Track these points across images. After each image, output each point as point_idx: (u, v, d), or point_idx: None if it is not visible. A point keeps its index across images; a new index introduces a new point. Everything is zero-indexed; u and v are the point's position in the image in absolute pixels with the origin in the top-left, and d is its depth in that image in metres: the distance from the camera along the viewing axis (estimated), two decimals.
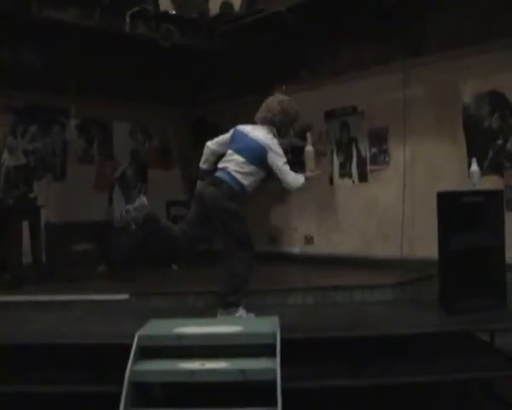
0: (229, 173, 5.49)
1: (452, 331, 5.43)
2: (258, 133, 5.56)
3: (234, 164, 5.51)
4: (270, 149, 5.46)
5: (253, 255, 5.61)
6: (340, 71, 8.94)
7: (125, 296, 6.59)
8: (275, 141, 5.53)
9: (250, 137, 5.56)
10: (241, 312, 5.60)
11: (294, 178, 5.54)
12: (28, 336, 5.33)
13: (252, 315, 5.61)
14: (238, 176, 5.48)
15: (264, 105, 5.73)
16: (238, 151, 5.55)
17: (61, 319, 6.02)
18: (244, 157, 5.50)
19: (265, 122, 5.62)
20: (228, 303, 5.57)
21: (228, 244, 5.56)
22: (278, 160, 5.48)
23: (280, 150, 5.50)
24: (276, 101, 5.70)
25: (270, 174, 5.62)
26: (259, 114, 5.70)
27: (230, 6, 8.82)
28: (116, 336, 5.06)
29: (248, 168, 5.49)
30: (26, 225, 7.89)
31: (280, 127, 5.63)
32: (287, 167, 5.51)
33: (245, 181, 5.49)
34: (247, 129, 5.64)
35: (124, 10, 8.18)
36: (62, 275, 7.98)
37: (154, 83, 10.00)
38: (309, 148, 5.74)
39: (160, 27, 8.36)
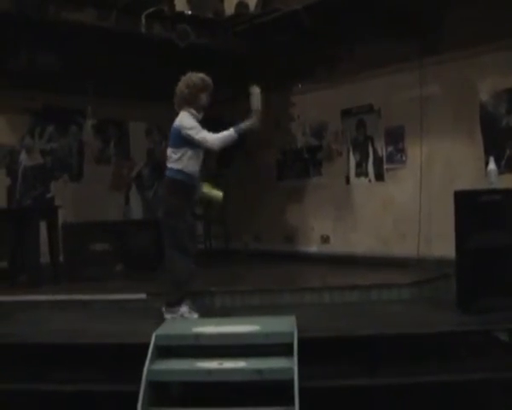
0: (166, 169, 5.83)
1: (470, 331, 5.41)
2: (175, 120, 5.81)
3: (168, 159, 5.83)
4: (182, 126, 5.68)
5: (187, 252, 5.74)
6: (357, 69, 8.92)
7: (142, 296, 6.61)
8: (185, 117, 5.73)
9: (172, 127, 5.84)
10: (183, 310, 5.67)
11: (212, 138, 5.66)
12: (46, 335, 5.36)
13: (195, 315, 5.69)
14: (171, 165, 5.75)
15: (175, 92, 5.94)
16: (168, 146, 5.89)
17: (78, 319, 6.05)
18: (170, 146, 5.84)
19: (180, 106, 5.86)
20: (169, 303, 5.70)
21: (166, 240, 5.85)
22: (191, 132, 5.65)
23: (191, 123, 5.69)
24: (180, 82, 5.91)
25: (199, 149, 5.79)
26: (175, 102, 5.93)
27: (246, 6, 8.81)
28: (133, 336, 5.08)
29: (176, 154, 5.73)
30: (43, 225, 7.94)
31: (192, 100, 5.81)
32: (202, 134, 5.66)
33: (179, 165, 5.70)
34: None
35: (140, 11, 8.19)
36: (80, 275, 8.03)
37: (169, 83, 10.00)
38: (256, 89, 5.89)
39: (175, 28, 8.37)
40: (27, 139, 8.84)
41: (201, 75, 5.87)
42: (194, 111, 5.78)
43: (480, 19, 7.34)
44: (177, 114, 5.82)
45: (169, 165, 5.77)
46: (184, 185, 5.69)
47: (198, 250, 5.85)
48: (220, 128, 5.77)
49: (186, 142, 5.67)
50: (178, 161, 5.70)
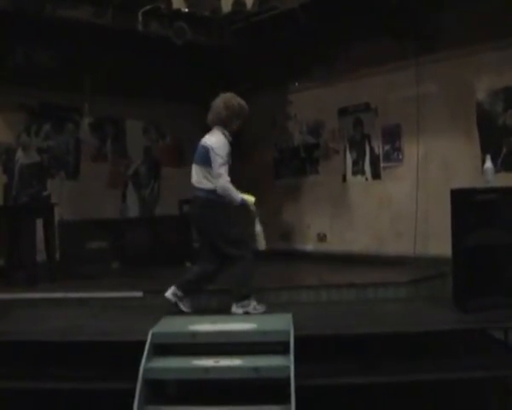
0: (195, 189, 5.93)
1: (466, 329, 5.41)
2: (206, 138, 5.90)
3: (194, 176, 5.95)
4: (212, 148, 5.73)
5: (247, 249, 5.81)
6: (354, 68, 8.92)
7: (138, 294, 6.61)
8: (220, 141, 5.79)
9: (200, 144, 5.92)
10: (254, 303, 5.73)
11: (224, 181, 5.71)
12: (43, 333, 5.35)
13: (263, 307, 5.77)
14: (202, 186, 5.84)
15: (212, 107, 5.98)
16: (194, 161, 5.98)
17: (74, 317, 6.04)
18: (198, 164, 5.92)
19: (215, 123, 5.91)
20: (239, 297, 5.75)
21: (221, 249, 5.81)
22: (218, 160, 5.71)
23: (222, 151, 5.73)
24: (219, 99, 5.95)
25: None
26: (209, 117, 5.98)
27: (243, 4, 8.82)
28: (130, 334, 5.08)
29: (204, 173, 5.81)
30: (40, 222, 7.92)
31: (228, 122, 5.87)
32: (221, 169, 5.71)
33: (210, 185, 5.78)
34: (203, 139, 5.95)
35: (136, 8, 8.19)
36: (76, 272, 8.03)
37: (166, 81, 10.00)
38: (258, 228, 5.91)
39: (172, 25, 8.37)
40: (24, 137, 8.79)
41: (240, 101, 5.93)
42: (227, 133, 5.86)
43: (477, 18, 7.36)
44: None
45: (199, 185, 5.87)
46: (218, 204, 5.77)
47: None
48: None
49: (210, 161, 5.76)
50: (206, 180, 5.80)
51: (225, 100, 5.89)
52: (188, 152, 11.41)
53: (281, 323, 4.96)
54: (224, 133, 5.83)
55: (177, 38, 8.33)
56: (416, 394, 5.08)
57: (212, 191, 5.75)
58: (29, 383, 4.92)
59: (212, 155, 5.71)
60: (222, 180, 5.68)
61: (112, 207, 10.17)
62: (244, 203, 5.77)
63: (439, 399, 5.14)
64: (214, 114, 5.90)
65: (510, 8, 7.04)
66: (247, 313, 5.69)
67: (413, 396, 5.08)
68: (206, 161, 5.77)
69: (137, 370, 4.36)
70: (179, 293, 5.86)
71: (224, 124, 5.85)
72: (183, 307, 5.86)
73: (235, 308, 5.74)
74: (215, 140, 5.78)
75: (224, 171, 5.69)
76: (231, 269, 5.83)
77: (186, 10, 8.63)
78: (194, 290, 5.97)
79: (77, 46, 8.57)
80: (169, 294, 5.87)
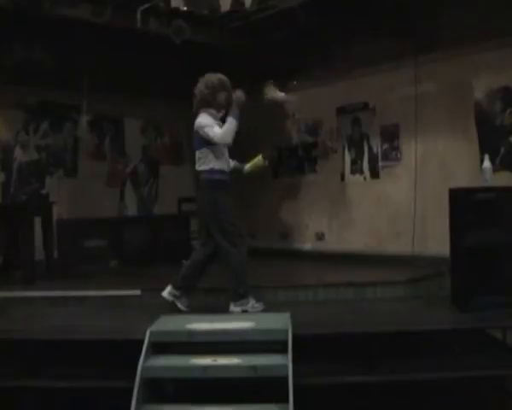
0: (198, 172, 5.88)
1: (464, 329, 5.42)
2: (195, 122, 5.86)
3: (197, 162, 5.90)
4: (199, 126, 5.77)
5: (239, 245, 5.77)
6: (352, 67, 8.92)
7: (136, 292, 6.61)
8: (203, 117, 5.79)
9: (193, 130, 5.90)
10: (252, 302, 5.75)
11: (221, 132, 5.71)
12: (40, 331, 5.34)
13: (261, 305, 5.78)
14: (201, 167, 5.82)
15: (194, 94, 6.00)
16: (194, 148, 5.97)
17: (73, 315, 6.05)
18: (195, 149, 5.91)
19: (199, 107, 5.92)
20: (238, 296, 5.76)
21: (217, 238, 5.79)
22: (206, 130, 5.72)
23: (205, 121, 5.75)
24: (198, 83, 5.98)
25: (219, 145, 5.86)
26: (194, 104, 6.00)
27: (241, 2, 8.81)
28: (128, 332, 5.07)
29: (201, 155, 5.82)
30: (38, 221, 7.92)
31: (212, 100, 5.88)
32: (214, 129, 5.71)
33: (208, 166, 5.79)
34: None
35: (135, 7, 8.18)
36: (74, 271, 8.03)
37: (165, 79, 9.99)
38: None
39: (171, 24, 8.37)
40: (22, 135, 8.80)
41: (219, 75, 5.95)
42: (213, 111, 5.87)
43: (475, 17, 7.36)
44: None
45: (199, 168, 5.86)
46: (221, 183, 5.81)
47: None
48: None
49: (206, 141, 5.76)
50: (206, 161, 5.80)
51: (204, 81, 5.93)
52: (186, 151, 11.45)
53: (279, 322, 4.96)
54: (209, 112, 5.82)
55: (175, 36, 8.32)
56: (413, 393, 5.09)
57: (209, 171, 5.77)
58: (26, 382, 4.92)
59: (200, 132, 5.74)
60: (218, 133, 5.68)
61: (110, 205, 10.17)
62: (237, 111, 5.73)
63: (436, 398, 5.15)
64: (197, 98, 5.93)
65: (508, 8, 7.05)
66: (245, 311, 5.70)
67: (411, 395, 5.09)
68: (198, 143, 5.82)
69: (135, 368, 4.35)
70: (176, 292, 5.87)
71: (208, 103, 5.85)
72: (180, 305, 5.86)
73: (232, 307, 5.75)
74: (198, 120, 5.80)
75: (215, 129, 5.70)
76: (226, 268, 5.82)
77: (185, 9, 8.63)
78: (189, 286, 5.96)
79: (75, 44, 8.56)
80: (165, 293, 5.90)
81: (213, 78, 5.92)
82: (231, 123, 5.68)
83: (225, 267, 5.82)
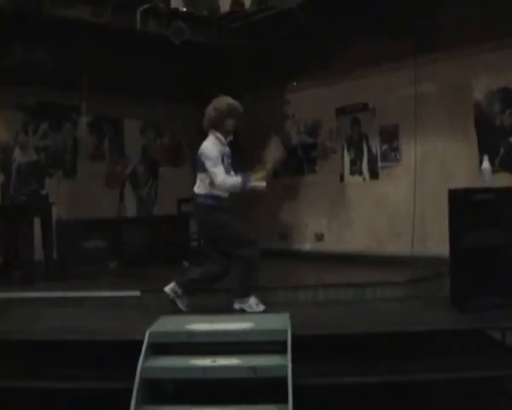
0: (194, 195, 5.93)
1: (464, 329, 5.41)
2: (202, 145, 5.88)
3: (196, 183, 5.94)
4: (202, 153, 5.80)
5: (251, 249, 5.79)
6: (352, 68, 8.92)
7: (136, 293, 6.60)
8: (209, 144, 5.83)
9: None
10: (252, 301, 5.77)
11: (223, 179, 5.72)
12: (40, 332, 5.34)
13: (262, 307, 5.79)
14: (198, 190, 5.87)
15: (205, 113, 6.01)
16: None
17: (72, 316, 6.04)
18: (197, 171, 5.93)
19: (208, 127, 5.93)
20: (238, 294, 5.81)
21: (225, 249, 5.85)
22: (208, 164, 5.73)
23: (211, 152, 5.76)
24: (210, 104, 5.98)
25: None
26: (203, 123, 5.99)
27: (241, 3, 8.82)
28: (127, 333, 5.07)
29: (200, 178, 5.86)
30: (37, 222, 7.91)
31: (219, 124, 5.87)
32: (216, 168, 5.72)
33: (204, 190, 5.83)
34: None
35: (135, 8, 8.19)
36: (74, 272, 8.02)
37: (164, 80, 10.00)
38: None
39: (170, 24, 8.37)
40: (21, 136, 8.80)
41: (230, 101, 5.92)
42: (219, 135, 5.86)
43: (475, 18, 7.37)
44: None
45: (196, 191, 5.89)
46: (215, 207, 5.80)
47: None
48: None
49: (203, 167, 5.80)
50: (203, 186, 5.82)
51: (214, 103, 5.92)
52: (186, 151, 11.46)
53: (278, 322, 4.95)
54: (216, 136, 5.85)
55: (175, 37, 8.33)
56: (413, 394, 5.09)
57: (208, 196, 5.78)
58: (26, 383, 4.91)
59: (203, 159, 5.76)
60: (219, 178, 5.69)
61: (109, 206, 10.17)
62: (249, 186, 5.79)
63: (436, 399, 5.15)
64: (206, 118, 5.95)
65: (508, 9, 7.05)
66: (243, 310, 5.72)
67: (410, 396, 5.09)
68: (200, 166, 5.82)
69: (134, 369, 4.35)
70: (179, 290, 5.88)
71: (214, 126, 5.87)
72: (180, 304, 5.87)
73: (234, 305, 5.81)
74: (205, 144, 5.83)
75: (217, 169, 5.70)
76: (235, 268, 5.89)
77: (184, 9, 8.64)
78: (195, 290, 5.98)
79: (75, 45, 8.56)
80: (168, 289, 5.90)
81: (223, 102, 5.90)
82: (237, 186, 5.74)
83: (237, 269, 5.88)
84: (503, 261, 5.53)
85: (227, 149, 5.89)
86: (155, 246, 9.30)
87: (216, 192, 5.78)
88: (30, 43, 8.77)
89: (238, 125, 5.95)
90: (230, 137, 5.96)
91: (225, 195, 5.87)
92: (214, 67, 9.95)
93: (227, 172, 5.81)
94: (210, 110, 5.91)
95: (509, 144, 7.46)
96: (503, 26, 7.14)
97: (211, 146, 5.79)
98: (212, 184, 5.75)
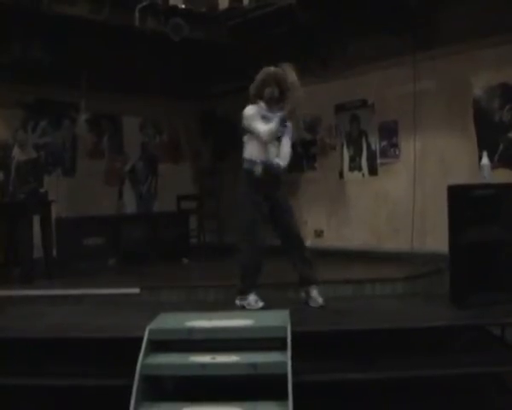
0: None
1: (463, 326, 5.42)
2: None
3: None
4: (243, 116, 5.78)
5: (251, 241, 5.77)
6: (351, 64, 8.92)
7: (135, 290, 6.60)
8: (247, 108, 5.78)
9: None
10: (250, 299, 5.75)
11: (261, 130, 5.67)
12: (40, 330, 5.35)
13: (259, 303, 5.76)
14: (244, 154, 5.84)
15: None
16: None
17: (72, 313, 6.04)
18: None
19: (252, 99, 5.87)
20: (238, 290, 5.81)
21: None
22: (246, 122, 5.74)
23: (248, 112, 5.74)
24: None
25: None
26: None
27: (239, 0, 8.81)
28: (127, 330, 5.07)
29: (245, 139, 5.86)
30: (36, 219, 7.91)
31: (256, 92, 5.84)
32: (254, 123, 5.70)
33: (244, 154, 5.82)
34: None
35: (133, 5, 8.18)
36: (73, 269, 8.02)
37: (163, 77, 9.99)
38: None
39: (169, 22, 8.36)
40: (20, 133, 8.75)
41: (265, 69, 5.88)
42: (262, 104, 5.80)
43: (474, 14, 7.36)
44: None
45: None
46: (248, 173, 5.75)
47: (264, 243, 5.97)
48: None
49: (246, 130, 5.79)
50: (244, 149, 5.83)
51: (257, 75, 5.89)
52: (185, 148, 11.46)
53: (278, 319, 4.95)
54: (257, 104, 5.79)
55: (173, 34, 8.32)
56: (413, 390, 5.09)
57: (244, 160, 5.80)
58: (26, 380, 4.91)
59: (243, 122, 5.77)
60: (259, 130, 5.65)
61: (109, 203, 10.18)
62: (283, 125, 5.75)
63: (436, 395, 5.15)
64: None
65: (507, 5, 7.04)
66: (243, 307, 5.73)
67: (410, 392, 5.09)
68: (243, 131, 5.85)
69: (134, 366, 4.35)
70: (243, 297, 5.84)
71: (254, 96, 5.83)
72: (254, 303, 5.78)
73: (236, 301, 5.83)
74: (244, 110, 5.80)
75: (254, 123, 5.67)
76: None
77: (183, 6, 8.63)
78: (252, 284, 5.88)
79: (74, 42, 8.55)
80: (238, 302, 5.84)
81: (260, 73, 5.86)
82: (274, 126, 5.65)
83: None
84: (502, 257, 5.53)
85: (269, 114, 5.75)
86: (155, 243, 9.30)
87: (253, 156, 5.75)
88: (28, 41, 8.75)
89: (282, 90, 5.78)
90: (276, 106, 5.79)
91: (263, 157, 5.75)
92: (212, 64, 9.95)
93: (270, 140, 5.71)
94: (253, 82, 5.89)
95: (508, 140, 7.46)
96: (501, 22, 7.13)
97: (247, 110, 5.77)
98: (251, 146, 5.76)
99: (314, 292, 5.91)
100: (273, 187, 5.80)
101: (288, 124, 5.83)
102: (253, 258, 5.79)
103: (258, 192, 5.72)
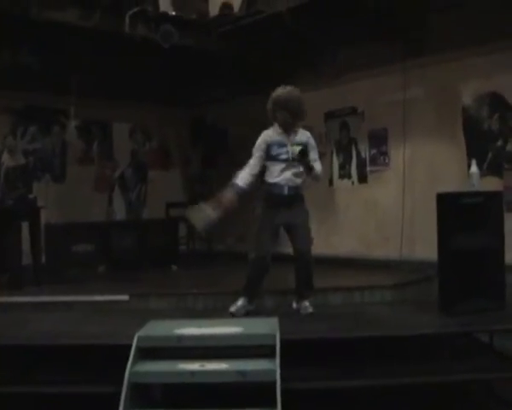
0: None
1: (452, 333, 5.43)
2: None
3: None
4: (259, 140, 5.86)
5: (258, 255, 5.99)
6: (341, 72, 8.94)
7: (125, 297, 6.58)
8: (262, 135, 5.85)
9: None
10: (239, 303, 5.81)
11: (241, 173, 5.86)
12: (28, 337, 5.32)
13: (243, 311, 5.81)
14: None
15: None
16: None
17: (60, 320, 6.01)
18: None
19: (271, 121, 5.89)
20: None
21: None
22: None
23: (257, 143, 5.84)
24: None
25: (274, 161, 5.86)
26: None
27: (230, 7, 8.82)
28: (116, 337, 5.06)
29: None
30: (25, 226, 7.88)
31: (273, 116, 5.84)
32: (250, 160, 5.84)
33: (263, 176, 5.95)
34: None
35: (123, 11, 8.18)
36: (62, 276, 7.99)
37: (153, 84, 9.99)
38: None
39: (159, 28, 8.36)
40: (9, 139, 8.73)
41: (278, 93, 5.83)
42: (277, 128, 5.83)
43: (463, 22, 7.40)
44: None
45: None
46: (267, 194, 5.92)
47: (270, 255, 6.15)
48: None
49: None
50: (263, 172, 5.90)
51: (271, 96, 5.86)
52: (175, 155, 11.45)
53: (267, 327, 4.95)
54: (273, 128, 5.84)
55: (164, 41, 8.32)
56: (401, 397, 5.09)
57: (262, 181, 5.93)
58: (14, 388, 4.89)
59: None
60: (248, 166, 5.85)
61: (98, 210, 10.16)
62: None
63: (424, 402, 5.15)
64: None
65: (496, 14, 7.08)
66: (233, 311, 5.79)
67: (399, 400, 5.09)
68: None
69: (123, 374, 4.33)
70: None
71: (271, 119, 5.86)
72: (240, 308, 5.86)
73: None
74: (263, 134, 5.87)
75: (249, 162, 5.83)
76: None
77: (173, 13, 8.62)
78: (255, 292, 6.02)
79: (63, 48, 8.53)
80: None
81: (272, 96, 5.83)
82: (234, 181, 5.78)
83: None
84: (490, 265, 5.55)
85: (284, 140, 5.80)
86: (144, 250, 9.27)
87: (271, 180, 5.86)
88: (18, 47, 8.73)
89: (297, 112, 5.84)
90: (291, 130, 5.87)
91: (281, 180, 5.86)
92: (202, 71, 9.95)
93: (281, 161, 5.78)
94: (268, 104, 5.87)
95: (496, 149, 7.50)
96: (491, 30, 7.17)
97: (260, 137, 5.84)
98: (268, 170, 5.86)
99: (305, 301, 5.92)
100: (293, 213, 6.07)
101: (309, 138, 6.09)
102: (254, 268, 5.95)
103: (277, 215, 5.95)
